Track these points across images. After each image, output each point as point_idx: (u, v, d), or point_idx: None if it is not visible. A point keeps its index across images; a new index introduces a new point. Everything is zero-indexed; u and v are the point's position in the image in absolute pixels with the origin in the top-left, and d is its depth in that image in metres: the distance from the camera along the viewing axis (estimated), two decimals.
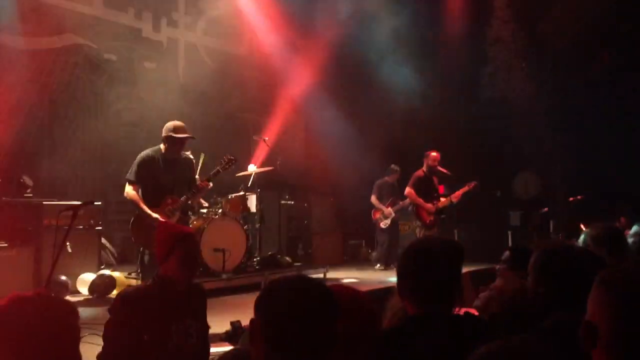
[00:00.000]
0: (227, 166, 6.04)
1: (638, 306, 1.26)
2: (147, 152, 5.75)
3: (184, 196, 5.69)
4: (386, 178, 10.29)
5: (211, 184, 5.87)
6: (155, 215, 5.50)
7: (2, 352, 1.52)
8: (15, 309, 1.57)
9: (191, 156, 5.90)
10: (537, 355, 1.09)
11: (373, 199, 10.20)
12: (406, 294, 2.25)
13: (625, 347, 1.23)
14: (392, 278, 7.06)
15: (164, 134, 5.68)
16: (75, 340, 1.65)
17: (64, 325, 1.59)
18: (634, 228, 4.42)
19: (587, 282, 2.46)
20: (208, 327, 3.23)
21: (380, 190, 10.21)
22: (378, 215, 10.13)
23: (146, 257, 5.57)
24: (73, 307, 1.65)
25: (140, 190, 5.64)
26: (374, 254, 10.44)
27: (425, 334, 2.08)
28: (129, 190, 5.60)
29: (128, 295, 2.97)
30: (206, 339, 3.12)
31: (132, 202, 5.69)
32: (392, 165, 10.33)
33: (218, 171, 5.95)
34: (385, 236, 10.15)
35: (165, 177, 5.62)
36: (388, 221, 10.07)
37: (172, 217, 5.58)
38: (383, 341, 2.09)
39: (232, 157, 6.07)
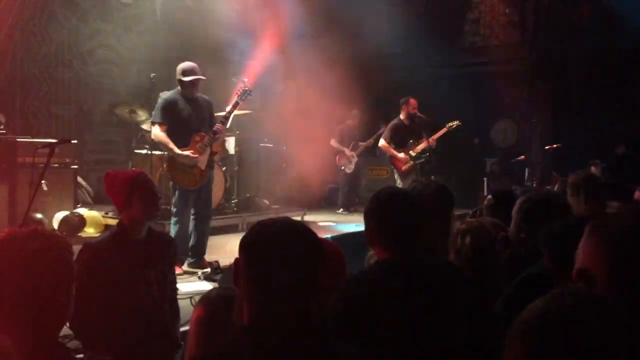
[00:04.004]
0: (243, 96, 5.98)
1: (633, 252, 1.26)
2: (167, 94, 5.74)
3: (211, 132, 5.66)
4: (347, 122, 10.28)
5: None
6: (186, 152, 5.50)
7: (1, 289, 1.51)
8: (11, 245, 1.55)
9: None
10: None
11: (333, 142, 10.17)
12: (373, 239, 2.26)
13: (621, 294, 1.25)
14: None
15: (176, 76, 5.62)
16: (70, 278, 1.65)
17: (61, 262, 1.58)
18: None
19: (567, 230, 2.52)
20: (169, 275, 3.21)
21: (342, 133, 10.21)
22: (343, 160, 10.15)
23: (176, 194, 5.63)
24: (68, 243, 1.64)
25: (166, 132, 5.57)
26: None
27: (392, 279, 2.09)
28: (157, 131, 5.54)
29: (90, 246, 2.97)
30: (166, 287, 3.12)
31: (161, 144, 5.68)
32: (354, 111, 10.30)
33: (237, 102, 5.91)
34: (346, 180, 10.22)
35: (189, 115, 5.59)
36: (352, 165, 10.13)
37: (204, 152, 5.59)
38: (347, 285, 2.10)
39: (247, 87, 6.00)
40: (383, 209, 2.22)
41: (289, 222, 1.66)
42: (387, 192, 2.28)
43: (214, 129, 5.65)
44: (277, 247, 1.56)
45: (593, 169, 9.34)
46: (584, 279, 1.30)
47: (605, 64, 10.58)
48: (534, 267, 2.47)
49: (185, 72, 5.55)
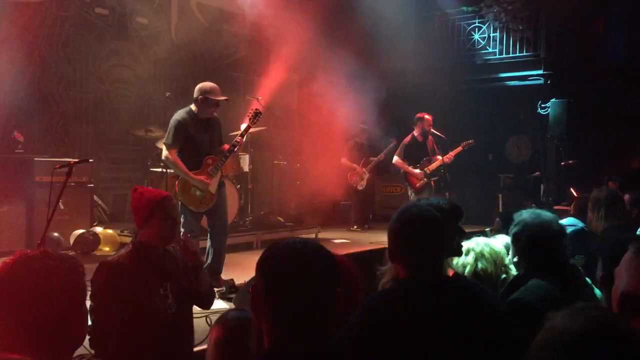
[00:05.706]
0: (255, 120, 5.95)
1: None
2: (180, 114, 5.61)
3: (223, 155, 5.66)
4: (356, 138, 10.22)
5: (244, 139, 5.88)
6: (199, 177, 5.50)
7: (10, 311, 1.53)
8: (22, 268, 1.57)
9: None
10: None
11: (343, 160, 10.10)
12: (396, 258, 2.26)
13: None
14: (381, 239, 7.10)
15: (198, 95, 5.54)
16: (81, 297, 1.66)
17: (71, 282, 1.59)
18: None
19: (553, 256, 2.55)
20: (185, 287, 3.21)
21: (351, 151, 10.18)
22: (355, 178, 10.11)
23: (188, 218, 5.58)
24: (79, 263, 1.66)
25: (178, 154, 5.53)
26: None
27: (414, 298, 2.09)
28: (169, 154, 5.51)
29: (106, 264, 2.98)
30: (182, 302, 3.12)
31: (174, 166, 5.63)
32: (361, 125, 10.27)
33: (248, 126, 5.90)
34: (359, 197, 10.19)
35: (201, 137, 5.57)
36: (364, 182, 10.07)
37: (215, 176, 5.58)
38: (370, 305, 2.10)
39: (258, 110, 5.98)
40: (408, 228, 2.21)
41: (306, 244, 1.65)
42: (413, 211, 2.26)
43: (225, 152, 5.67)
44: (298, 272, 1.56)
45: (611, 184, 9.25)
46: (628, 304, 1.26)
47: (620, 79, 10.53)
48: (518, 293, 2.53)
49: (213, 92, 5.53)
